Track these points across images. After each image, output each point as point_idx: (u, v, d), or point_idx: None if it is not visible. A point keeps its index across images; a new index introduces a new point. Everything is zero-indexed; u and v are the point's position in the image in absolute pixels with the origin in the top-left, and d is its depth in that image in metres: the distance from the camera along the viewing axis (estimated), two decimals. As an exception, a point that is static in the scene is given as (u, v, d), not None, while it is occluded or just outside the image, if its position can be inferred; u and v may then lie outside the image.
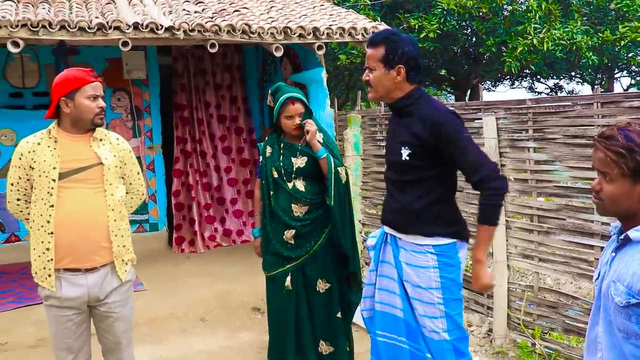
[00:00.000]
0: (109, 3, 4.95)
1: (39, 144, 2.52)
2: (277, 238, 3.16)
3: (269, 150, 3.21)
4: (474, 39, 10.38)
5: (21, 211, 2.62)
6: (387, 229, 2.56)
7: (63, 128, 2.54)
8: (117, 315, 2.62)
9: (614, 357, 1.57)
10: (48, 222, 2.46)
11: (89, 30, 4.31)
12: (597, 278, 1.67)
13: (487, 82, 14.58)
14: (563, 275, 3.56)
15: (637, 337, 1.49)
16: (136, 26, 4.41)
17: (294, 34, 4.91)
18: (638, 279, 1.47)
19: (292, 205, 3.14)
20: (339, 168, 3.12)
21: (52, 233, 2.46)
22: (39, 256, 2.50)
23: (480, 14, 8.72)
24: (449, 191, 2.46)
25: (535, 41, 7.96)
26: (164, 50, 6.31)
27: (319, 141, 3.10)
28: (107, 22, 4.35)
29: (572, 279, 3.57)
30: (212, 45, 4.67)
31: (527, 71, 12.06)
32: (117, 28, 4.39)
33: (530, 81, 15.14)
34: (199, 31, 4.60)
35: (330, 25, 5.07)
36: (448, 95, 16.66)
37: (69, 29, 4.26)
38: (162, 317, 4.51)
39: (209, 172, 6.62)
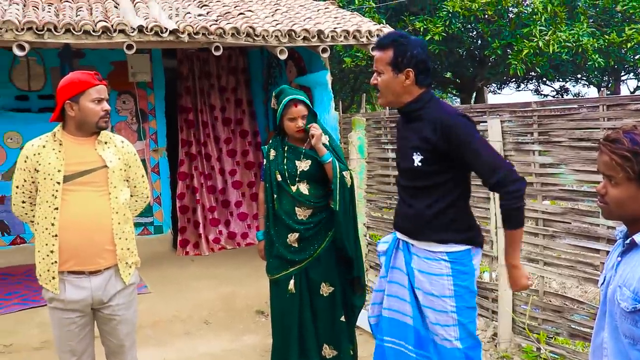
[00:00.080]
0: (114, 6, 4.97)
1: (44, 146, 2.52)
2: (281, 241, 3.15)
3: (272, 153, 3.21)
4: (479, 41, 10.37)
5: (26, 213, 2.63)
6: (399, 235, 2.50)
7: (68, 131, 2.54)
8: (120, 318, 2.62)
9: (619, 363, 1.55)
10: (52, 224, 2.47)
11: (93, 34, 4.33)
12: (603, 283, 1.66)
13: (493, 84, 14.56)
14: (568, 279, 3.53)
15: (643, 343, 1.47)
16: (141, 29, 4.42)
17: (299, 36, 4.92)
18: (644, 283, 1.45)
19: (296, 208, 3.13)
20: (344, 172, 3.11)
21: (56, 236, 2.47)
22: (43, 258, 2.50)
23: (486, 16, 8.70)
24: (462, 196, 2.38)
25: (540, 43, 7.94)
26: (169, 53, 6.33)
27: (324, 144, 3.09)
28: (112, 26, 4.36)
29: (577, 283, 3.54)
30: (217, 48, 4.68)
31: (533, 74, 12.03)
32: (121, 31, 4.40)
33: (536, 84, 15.12)
34: (203, 34, 4.61)
35: (334, 28, 5.06)
36: (453, 98, 16.63)
37: (73, 32, 4.28)
38: (166, 319, 4.52)
39: (213, 175, 6.63)
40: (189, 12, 5.04)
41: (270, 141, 3.29)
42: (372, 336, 2.72)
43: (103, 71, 5.84)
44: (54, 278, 2.49)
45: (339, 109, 5.95)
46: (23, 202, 2.60)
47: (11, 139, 5.84)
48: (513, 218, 2.24)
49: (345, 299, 3.23)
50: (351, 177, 3.17)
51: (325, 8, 5.99)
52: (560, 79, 13.56)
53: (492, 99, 19.58)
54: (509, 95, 31.05)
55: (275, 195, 3.16)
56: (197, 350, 4.05)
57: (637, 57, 10.04)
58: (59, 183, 2.47)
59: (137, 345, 2.78)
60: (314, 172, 3.12)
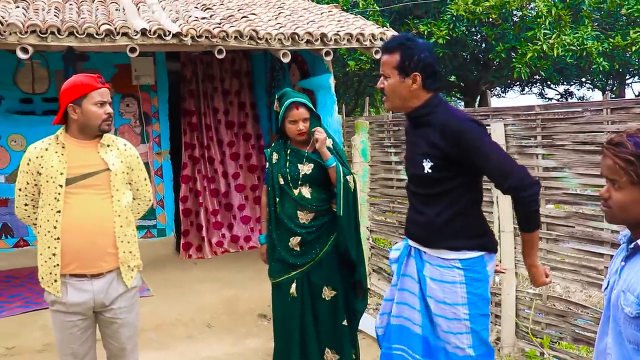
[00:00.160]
0: (117, 10, 4.98)
1: (46, 149, 2.53)
2: (283, 245, 3.14)
3: (275, 156, 3.20)
4: (483, 45, 10.36)
5: (29, 216, 2.63)
6: (411, 242, 2.45)
7: (71, 134, 2.55)
8: (122, 322, 2.61)
9: (623, 369, 1.54)
10: (55, 227, 2.47)
11: (96, 37, 4.34)
12: (607, 287, 1.64)
13: (497, 88, 14.54)
14: (572, 283, 3.51)
15: (647, 348, 1.46)
16: (144, 32, 4.43)
17: (302, 40, 4.91)
18: (648, 289, 1.44)
19: (298, 212, 3.12)
20: (347, 177, 3.10)
21: (58, 238, 2.47)
22: (46, 261, 2.50)
23: (490, 19, 8.70)
24: (474, 201, 2.33)
25: (545, 47, 7.93)
26: (173, 56, 6.34)
27: (328, 148, 3.09)
28: (115, 28, 4.37)
29: (581, 288, 3.52)
30: (220, 51, 4.68)
31: (537, 77, 12.02)
32: (124, 34, 4.41)
33: (541, 87, 15.08)
34: (206, 37, 4.61)
35: (337, 31, 5.06)
36: (457, 101, 16.62)
37: (77, 35, 4.29)
38: (169, 322, 4.51)
39: (216, 178, 6.63)
40: (192, 15, 5.05)
41: (273, 144, 3.28)
42: (374, 340, 2.70)
43: (107, 74, 5.86)
44: (56, 281, 2.49)
45: (342, 112, 5.94)
46: (26, 204, 2.60)
47: (15, 141, 5.86)
48: (532, 221, 2.21)
49: (348, 303, 3.22)
50: (354, 181, 3.16)
51: (329, 11, 5.99)
52: (565, 83, 13.52)
53: (496, 102, 19.55)
54: (513, 98, 31.00)
55: (277, 199, 3.15)
56: (200, 353, 4.04)
57: (641, 60, 10.02)
58: (61, 186, 2.47)
59: (139, 349, 2.78)
60: (317, 175, 3.11)
